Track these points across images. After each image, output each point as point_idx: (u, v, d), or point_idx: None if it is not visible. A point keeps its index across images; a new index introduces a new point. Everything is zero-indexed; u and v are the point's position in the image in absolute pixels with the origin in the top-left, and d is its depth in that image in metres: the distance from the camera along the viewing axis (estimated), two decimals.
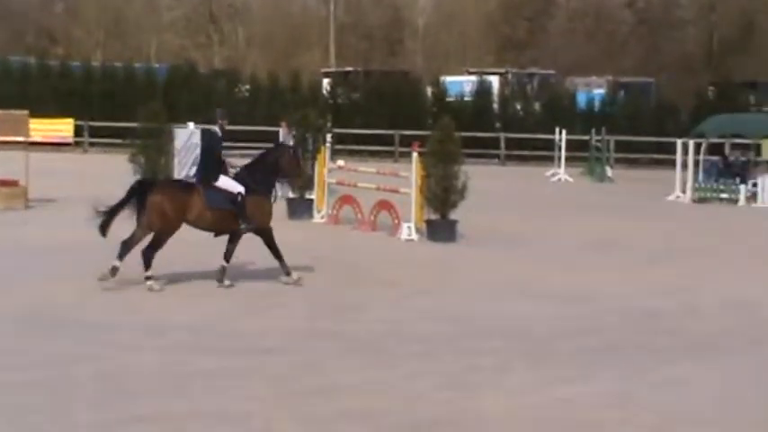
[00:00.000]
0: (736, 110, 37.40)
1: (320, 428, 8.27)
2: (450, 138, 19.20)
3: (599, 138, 35.27)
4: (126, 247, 13.59)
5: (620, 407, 8.99)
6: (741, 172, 28.69)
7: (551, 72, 49.08)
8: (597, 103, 42.65)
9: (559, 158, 35.17)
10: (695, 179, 28.55)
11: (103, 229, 13.63)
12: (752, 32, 58.44)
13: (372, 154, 39.26)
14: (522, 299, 13.76)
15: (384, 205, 19.73)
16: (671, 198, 28.32)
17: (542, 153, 39.01)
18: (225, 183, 14.07)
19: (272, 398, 9.00)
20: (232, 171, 14.28)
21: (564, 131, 35.17)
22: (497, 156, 40.84)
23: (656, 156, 38.92)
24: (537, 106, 43.16)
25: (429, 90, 44.25)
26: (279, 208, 21.54)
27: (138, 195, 13.77)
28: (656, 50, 57.45)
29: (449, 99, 42.88)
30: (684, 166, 28.72)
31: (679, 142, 29.40)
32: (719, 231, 21.96)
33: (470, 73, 47.10)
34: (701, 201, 27.89)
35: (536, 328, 11.99)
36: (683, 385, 9.75)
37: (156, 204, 13.66)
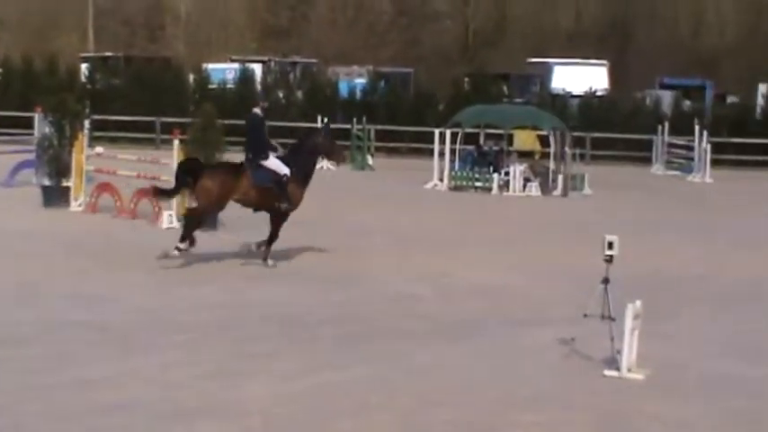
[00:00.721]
0: (491, 101, 38.71)
1: (73, 424, 8.10)
2: (211, 125, 19.13)
3: (360, 127, 35.81)
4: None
5: (378, 391, 9.23)
6: (494, 161, 29.75)
7: (313, 61, 49.40)
8: (358, 93, 43.23)
9: None
10: (452, 168, 29.44)
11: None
12: (504, 26, 60.73)
13: (133, 141, 38.45)
14: (285, 285, 13.88)
15: (145, 193, 19.41)
16: (429, 186, 29.09)
17: None
18: (273, 163, 15.21)
19: (22, 391, 8.75)
20: (277, 153, 15.59)
21: (326, 120, 35.48)
22: None
23: (414, 145, 39.82)
24: (299, 95, 43.38)
25: (191, 77, 43.75)
26: (34, 195, 20.99)
27: (189, 176, 15.03)
28: (414, 41, 58.79)
29: (211, 86, 42.49)
30: (441, 154, 29.56)
31: (436, 132, 30.22)
32: (473, 219, 22.76)
33: (233, 60, 46.85)
34: (457, 188, 28.78)
35: (300, 315, 12.13)
36: (437, 368, 10.11)
37: (205, 189, 14.88)
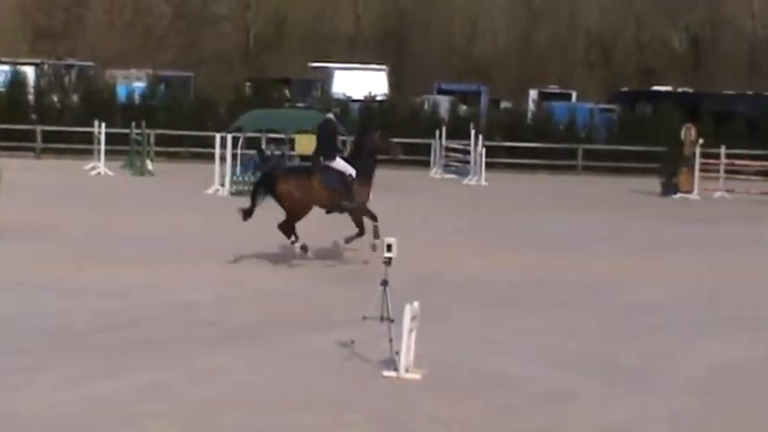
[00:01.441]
0: (272, 105, 38.76)
1: None
2: None
3: (139, 131, 35.16)
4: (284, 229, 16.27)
5: (157, 400, 9.10)
6: (276, 165, 29.77)
7: (90, 64, 48.19)
8: (137, 97, 42.46)
9: (99, 152, 34.69)
10: (233, 173, 29.30)
11: (247, 215, 16.38)
12: (285, 31, 60.89)
13: None
14: (57, 295, 13.49)
15: None
16: (210, 191, 28.84)
17: (81, 146, 38.22)
18: (340, 164, 16.27)
19: None
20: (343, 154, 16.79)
21: (104, 124, 34.72)
22: (33, 149, 39.55)
23: (195, 149, 39.39)
24: (75, 98, 42.25)
25: None
26: None
27: (265, 186, 16.24)
28: (194, 45, 58.20)
29: None
30: (223, 159, 29.38)
31: (217, 136, 30.01)
32: (254, 224, 22.60)
33: (3, 62, 45.16)
34: (239, 193, 28.57)
35: (72, 325, 11.82)
36: (219, 374, 10.05)
37: (285, 194, 16.03)
